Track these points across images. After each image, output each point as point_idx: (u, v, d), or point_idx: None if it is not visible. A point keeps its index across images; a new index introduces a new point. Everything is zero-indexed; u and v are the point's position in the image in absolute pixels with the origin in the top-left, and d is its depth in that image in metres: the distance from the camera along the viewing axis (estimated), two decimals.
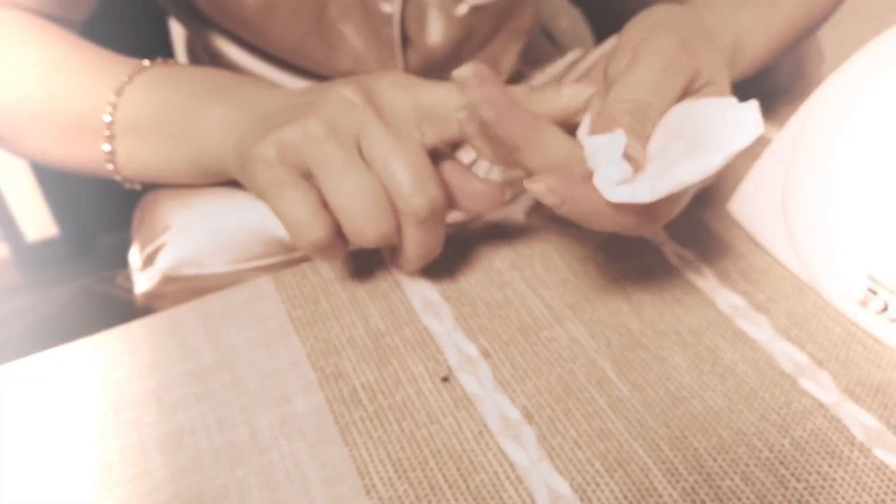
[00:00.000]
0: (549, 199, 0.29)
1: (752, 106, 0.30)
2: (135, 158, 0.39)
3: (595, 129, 0.30)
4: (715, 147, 0.28)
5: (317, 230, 0.31)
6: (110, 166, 0.40)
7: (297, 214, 0.31)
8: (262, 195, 0.33)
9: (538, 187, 0.28)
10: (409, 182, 0.31)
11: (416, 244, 0.33)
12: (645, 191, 0.28)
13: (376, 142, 0.32)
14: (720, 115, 0.30)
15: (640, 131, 0.30)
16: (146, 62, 0.40)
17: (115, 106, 0.38)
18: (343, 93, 0.33)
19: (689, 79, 0.32)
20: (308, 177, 0.32)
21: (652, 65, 0.31)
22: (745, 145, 0.28)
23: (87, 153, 0.40)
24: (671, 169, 0.28)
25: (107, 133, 0.39)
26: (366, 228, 0.32)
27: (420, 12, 0.52)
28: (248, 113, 0.36)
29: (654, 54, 0.31)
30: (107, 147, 0.39)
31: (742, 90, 0.55)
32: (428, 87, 0.34)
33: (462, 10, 0.51)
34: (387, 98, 0.33)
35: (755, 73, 0.42)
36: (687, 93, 0.32)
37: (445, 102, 0.33)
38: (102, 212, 1.24)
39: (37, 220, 1.35)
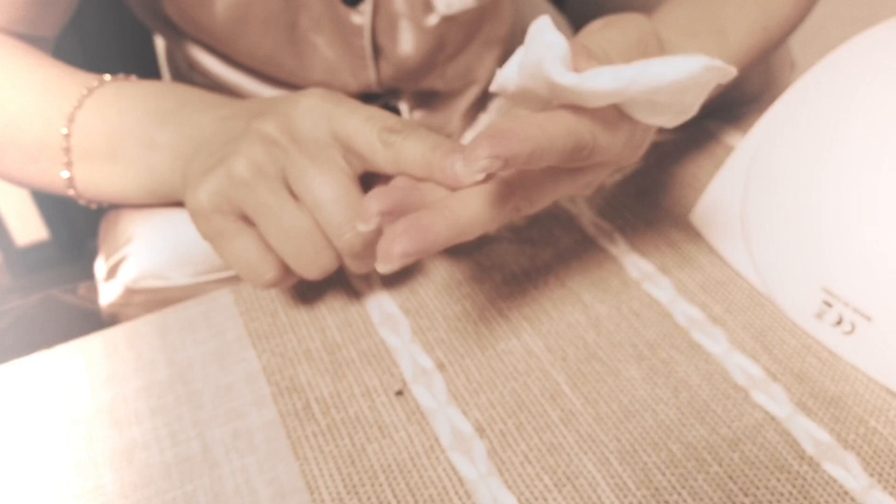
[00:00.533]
0: (494, 165, 0.25)
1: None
2: (92, 184, 0.39)
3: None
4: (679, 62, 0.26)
5: (267, 272, 0.32)
6: (71, 191, 0.40)
7: (245, 261, 0.32)
8: (208, 243, 0.33)
9: (477, 161, 0.24)
10: (339, 220, 0.31)
11: (358, 268, 0.34)
12: (608, 77, 0.26)
13: (301, 180, 0.31)
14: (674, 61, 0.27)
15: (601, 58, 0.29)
16: (98, 80, 0.40)
17: (68, 134, 0.38)
18: (263, 129, 0.32)
19: (645, 45, 0.32)
20: (246, 218, 0.32)
21: (623, 30, 0.32)
22: (703, 67, 0.26)
23: (48, 178, 0.40)
24: (647, 63, 0.26)
25: (64, 160, 0.38)
26: (307, 267, 0.32)
27: (391, 23, 0.52)
28: (192, 139, 0.36)
29: (624, 24, 0.32)
30: (65, 174, 0.39)
31: (712, 98, 0.55)
32: (343, 117, 0.32)
33: (433, 20, 0.52)
34: (305, 127, 0.33)
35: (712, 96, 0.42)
36: (641, 53, 0.32)
37: (361, 136, 0.32)
38: (92, 216, 1.24)
39: (27, 224, 1.35)
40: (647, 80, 0.26)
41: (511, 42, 0.61)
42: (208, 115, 0.36)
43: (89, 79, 0.39)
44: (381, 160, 0.31)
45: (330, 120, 0.32)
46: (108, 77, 0.40)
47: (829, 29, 0.77)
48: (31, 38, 0.43)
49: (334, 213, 0.31)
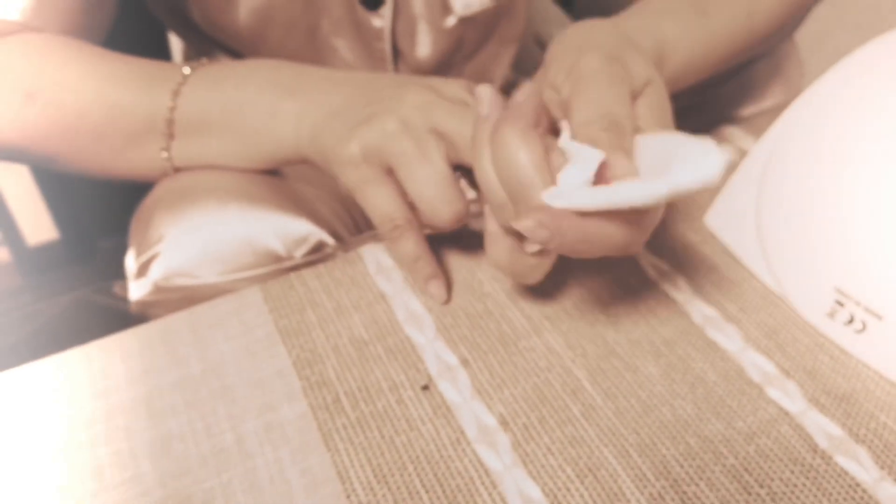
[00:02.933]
0: (539, 235, 0.30)
1: (713, 149, 0.29)
2: (197, 157, 0.43)
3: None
4: (666, 177, 0.29)
5: (399, 218, 0.37)
6: (168, 166, 0.43)
7: (382, 206, 0.37)
8: (351, 190, 0.38)
9: (526, 224, 0.29)
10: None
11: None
12: (586, 196, 0.29)
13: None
14: (683, 150, 0.30)
15: (621, 144, 0.31)
16: (196, 63, 0.43)
17: (172, 109, 0.41)
18: (412, 96, 0.37)
19: (630, 85, 0.33)
20: (389, 172, 0.37)
21: (597, 81, 0.32)
22: (695, 186, 0.28)
23: (148, 159, 0.43)
24: (617, 187, 0.29)
25: (167, 133, 0.42)
26: (440, 210, 0.36)
27: (410, 26, 0.53)
28: (318, 108, 0.40)
29: (593, 72, 0.33)
30: (164, 154, 0.42)
31: (725, 102, 0.56)
32: (445, 115, 0.36)
33: (451, 21, 0.53)
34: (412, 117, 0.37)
35: (695, 79, 0.43)
36: (633, 97, 0.33)
37: (462, 135, 0.36)
38: (102, 216, 1.25)
39: (37, 224, 1.37)
40: (678, 190, 0.28)
41: (523, 41, 0.62)
42: (327, 86, 0.40)
43: (183, 65, 0.43)
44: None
45: (435, 116, 0.36)
46: (204, 61, 0.43)
47: (836, 35, 0.78)
48: None
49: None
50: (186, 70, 0.42)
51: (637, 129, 0.32)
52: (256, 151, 0.42)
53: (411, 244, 0.38)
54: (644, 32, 0.39)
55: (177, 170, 0.43)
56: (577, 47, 0.35)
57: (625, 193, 0.29)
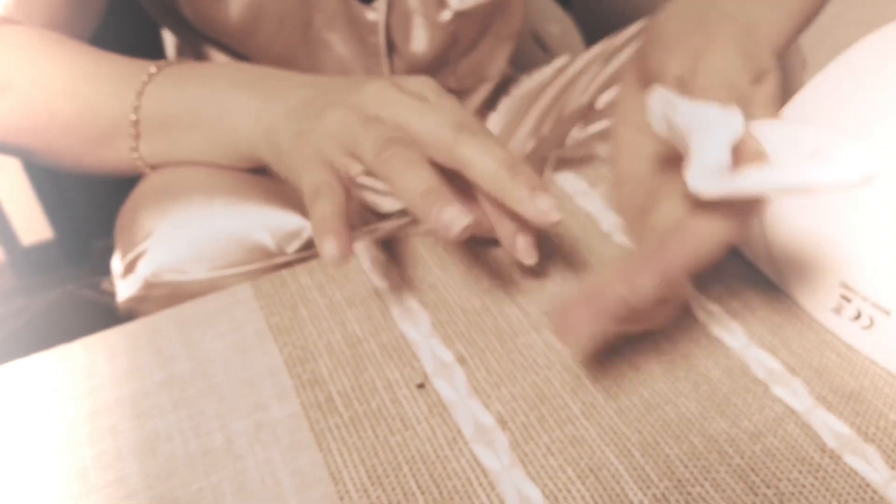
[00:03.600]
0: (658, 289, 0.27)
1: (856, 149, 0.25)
2: (166, 155, 0.42)
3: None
4: (805, 168, 0.25)
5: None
6: (140, 164, 0.42)
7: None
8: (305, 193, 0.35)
9: (643, 288, 0.27)
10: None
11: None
12: (760, 178, 0.24)
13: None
14: (818, 142, 0.26)
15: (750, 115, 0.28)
16: (164, 62, 0.42)
17: (136, 108, 0.40)
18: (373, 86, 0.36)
19: (756, 68, 0.30)
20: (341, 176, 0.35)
21: (727, 51, 0.29)
22: (842, 182, 0.25)
23: (118, 157, 0.42)
24: (767, 170, 0.25)
25: (133, 133, 0.41)
26: (405, 179, 0.32)
27: (405, 20, 0.52)
28: (275, 105, 0.39)
29: (723, 44, 0.30)
30: (134, 154, 0.42)
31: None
32: (408, 111, 0.35)
33: (446, 16, 0.52)
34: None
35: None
36: (757, 80, 0.31)
37: (428, 132, 0.34)
38: (97, 216, 1.24)
39: (32, 224, 1.35)
40: (801, 185, 0.25)
41: (520, 38, 0.61)
42: (289, 84, 0.40)
43: (152, 62, 0.42)
44: (446, 158, 0.33)
45: (394, 109, 0.35)
46: (171, 59, 0.43)
47: (837, 30, 0.77)
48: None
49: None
50: (153, 69, 0.41)
51: (751, 116, 0.29)
52: (220, 149, 0.41)
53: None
54: (735, 17, 0.36)
55: (151, 167, 0.43)
56: (697, 26, 0.32)
57: (778, 178, 0.25)
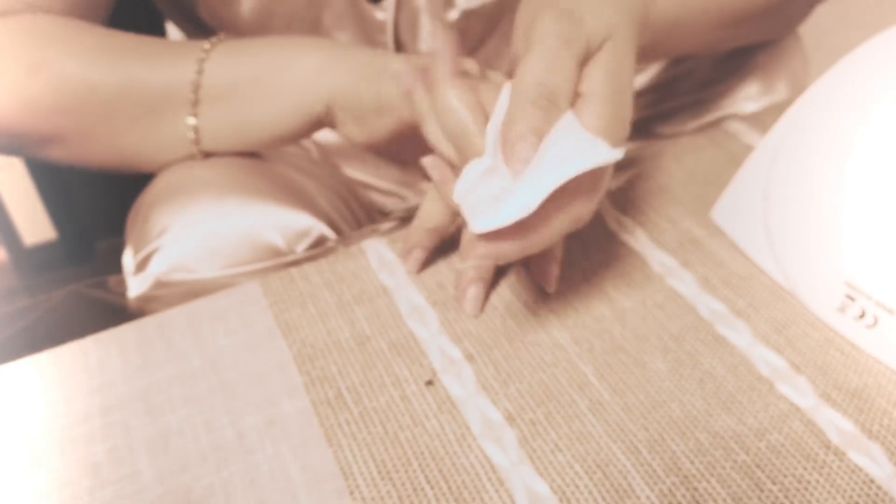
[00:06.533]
0: (487, 262, 0.31)
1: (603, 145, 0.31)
2: (226, 124, 0.42)
3: (506, 121, 0.31)
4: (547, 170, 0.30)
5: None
6: (192, 136, 0.42)
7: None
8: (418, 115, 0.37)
9: (468, 266, 0.32)
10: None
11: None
12: (518, 207, 0.29)
13: None
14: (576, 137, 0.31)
15: (544, 123, 0.30)
16: (216, 38, 0.43)
17: (199, 73, 0.41)
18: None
19: (583, 47, 0.32)
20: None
21: (543, 45, 0.31)
22: (595, 164, 0.30)
23: (166, 130, 0.42)
24: (536, 176, 0.29)
25: (192, 99, 0.41)
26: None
27: (412, 19, 0.52)
28: (337, 60, 0.41)
29: (542, 35, 0.31)
30: (191, 120, 0.42)
31: (729, 98, 0.56)
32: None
33: (453, 15, 0.52)
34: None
35: (688, 40, 0.43)
36: (587, 58, 0.32)
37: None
38: (100, 216, 1.25)
39: (35, 224, 1.36)
40: (565, 175, 0.29)
41: None
42: (348, 48, 0.42)
43: (205, 40, 0.43)
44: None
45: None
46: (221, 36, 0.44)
47: (839, 31, 0.77)
48: None
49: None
50: (206, 45, 0.42)
51: (579, 95, 0.32)
52: (284, 110, 0.42)
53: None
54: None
55: (196, 143, 0.43)
56: (538, 4, 0.33)
57: (523, 200, 0.29)
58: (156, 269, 0.39)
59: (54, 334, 0.40)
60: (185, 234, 0.39)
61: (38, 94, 0.40)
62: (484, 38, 0.56)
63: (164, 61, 0.41)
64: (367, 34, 0.52)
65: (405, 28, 0.52)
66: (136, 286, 0.41)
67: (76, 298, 0.44)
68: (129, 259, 0.42)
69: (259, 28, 0.50)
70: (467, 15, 0.52)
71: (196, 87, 0.41)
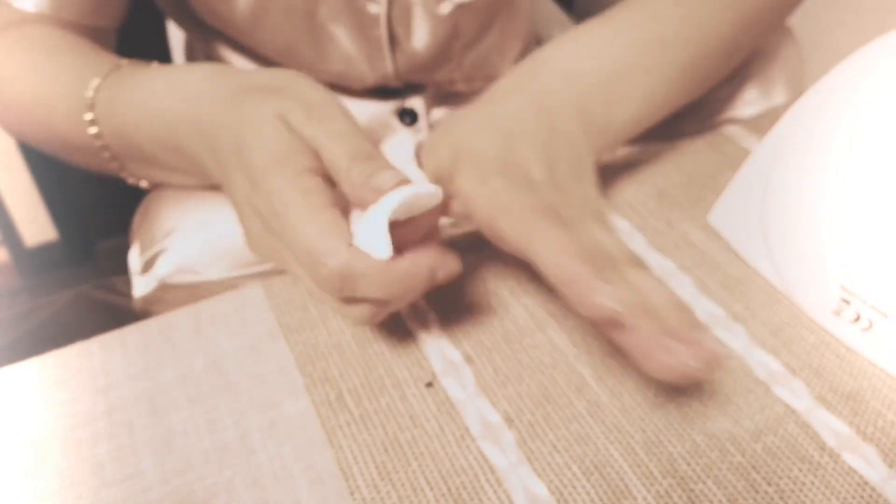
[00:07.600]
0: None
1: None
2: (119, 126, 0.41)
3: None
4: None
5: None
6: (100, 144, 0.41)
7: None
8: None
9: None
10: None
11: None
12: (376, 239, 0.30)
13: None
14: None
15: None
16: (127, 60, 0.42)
17: (97, 87, 0.40)
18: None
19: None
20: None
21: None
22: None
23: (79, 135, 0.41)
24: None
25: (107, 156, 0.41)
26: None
27: (405, 12, 0.52)
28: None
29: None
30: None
31: (726, 102, 0.56)
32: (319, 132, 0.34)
33: (446, 8, 0.52)
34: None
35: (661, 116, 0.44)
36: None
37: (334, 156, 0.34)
38: (101, 217, 1.25)
39: (36, 225, 1.36)
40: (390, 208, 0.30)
41: (529, 41, 0.62)
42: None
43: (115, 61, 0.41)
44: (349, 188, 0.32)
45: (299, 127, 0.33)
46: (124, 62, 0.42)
47: (837, 35, 0.78)
48: (95, 30, 0.44)
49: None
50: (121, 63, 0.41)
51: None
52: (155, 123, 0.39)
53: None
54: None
55: (111, 151, 0.41)
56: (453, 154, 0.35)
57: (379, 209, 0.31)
58: (161, 270, 0.40)
59: (59, 336, 0.40)
60: (191, 236, 0.40)
61: None
62: (479, 35, 0.56)
63: (73, 68, 0.41)
64: (362, 28, 0.52)
65: (398, 21, 0.52)
66: (140, 286, 0.41)
67: (81, 300, 0.44)
68: (134, 258, 0.42)
69: (254, 22, 0.50)
70: (460, 8, 0.52)
71: (93, 96, 0.40)
